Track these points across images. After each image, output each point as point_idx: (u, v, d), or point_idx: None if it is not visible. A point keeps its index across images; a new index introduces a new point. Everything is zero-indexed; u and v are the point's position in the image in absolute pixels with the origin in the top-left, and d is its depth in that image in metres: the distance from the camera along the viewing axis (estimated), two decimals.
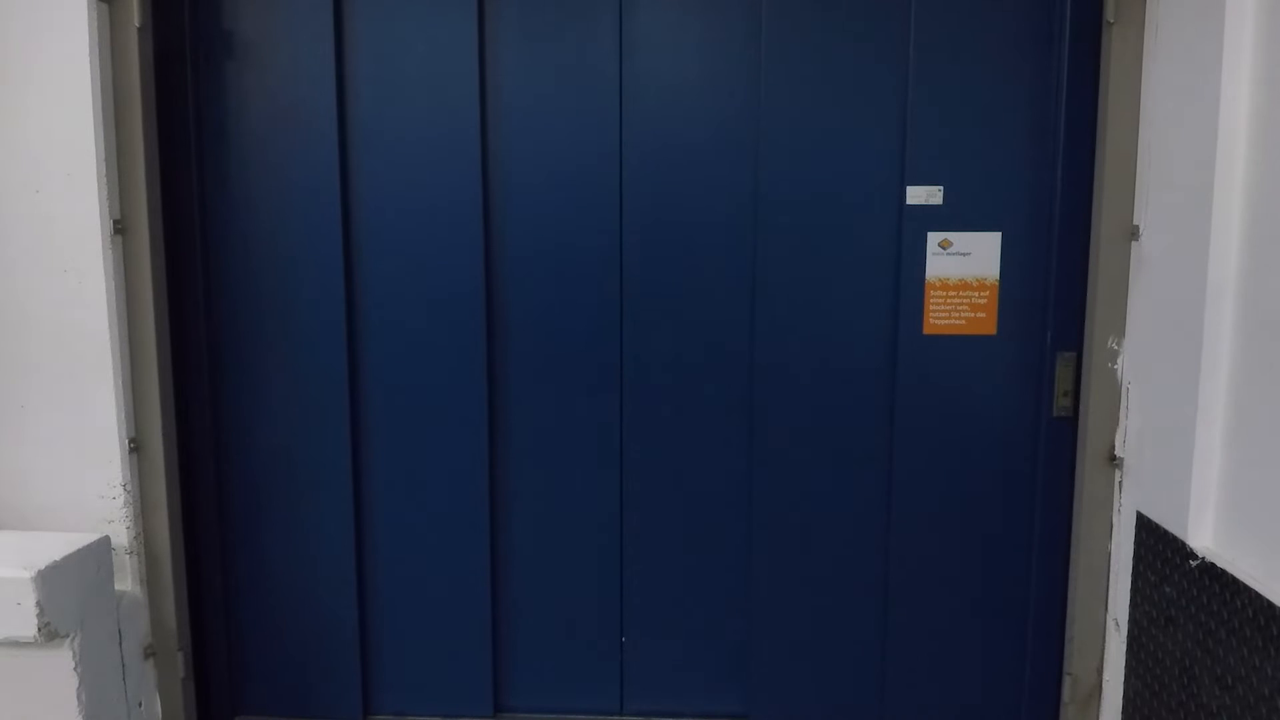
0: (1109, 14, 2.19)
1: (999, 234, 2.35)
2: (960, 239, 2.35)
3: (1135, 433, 2.20)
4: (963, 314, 2.38)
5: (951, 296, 2.37)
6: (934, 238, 2.35)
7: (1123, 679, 2.18)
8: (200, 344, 2.47)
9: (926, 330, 2.39)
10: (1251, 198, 1.75)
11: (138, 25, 2.22)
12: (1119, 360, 2.27)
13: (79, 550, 2.07)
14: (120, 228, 2.25)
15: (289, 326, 2.46)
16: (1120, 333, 2.27)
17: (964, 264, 2.36)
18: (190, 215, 2.42)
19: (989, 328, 2.38)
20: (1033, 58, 2.29)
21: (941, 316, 2.38)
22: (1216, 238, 1.79)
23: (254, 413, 2.51)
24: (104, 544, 2.17)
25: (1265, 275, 1.70)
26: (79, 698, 2.05)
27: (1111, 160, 2.22)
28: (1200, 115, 1.85)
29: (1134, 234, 2.21)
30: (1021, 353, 2.39)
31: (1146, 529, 2.06)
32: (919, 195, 2.34)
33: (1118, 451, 2.29)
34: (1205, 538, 1.86)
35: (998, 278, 2.37)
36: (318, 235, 2.42)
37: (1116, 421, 2.29)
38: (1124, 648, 2.18)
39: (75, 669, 2.03)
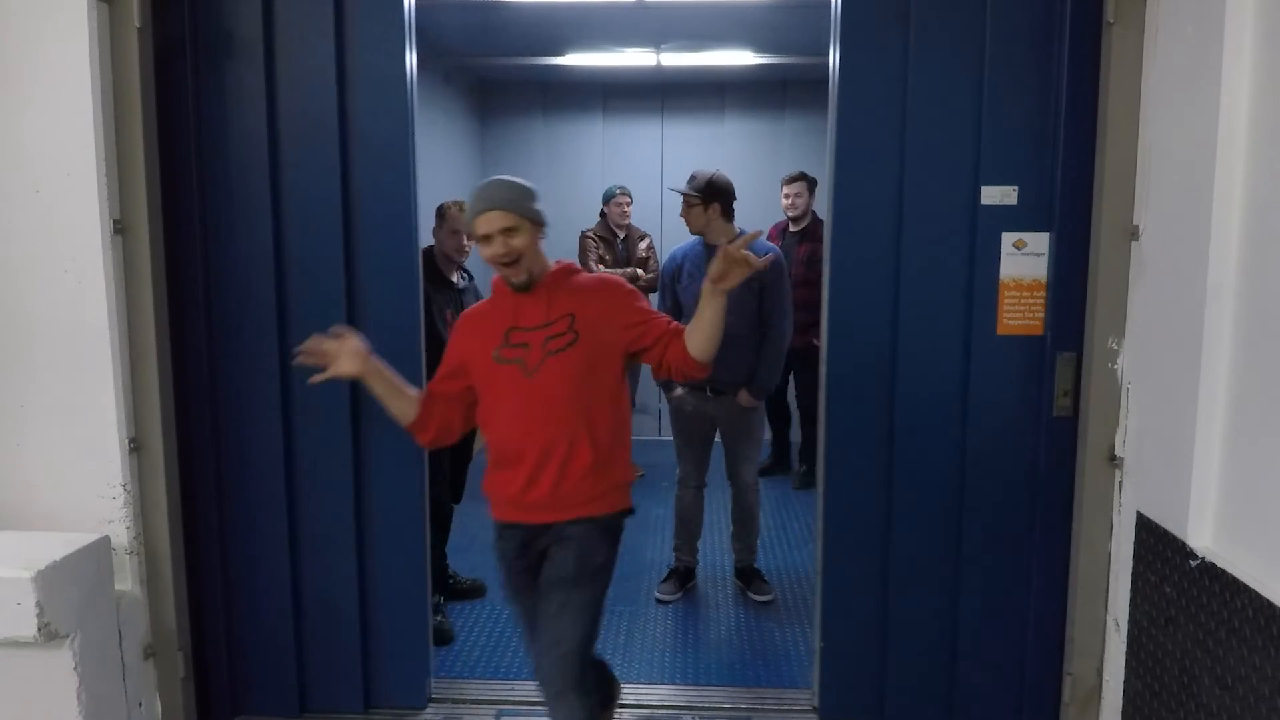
0: (1109, 14, 2.19)
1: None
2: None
3: (1135, 433, 2.19)
4: (1036, 314, 2.37)
5: (1025, 297, 2.36)
6: (1008, 238, 2.34)
7: (1123, 679, 2.17)
8: (200, 344, 2.46)
9: (1000, 331, 2.38)
10: (1251, 198, 1.74)
11: (138, 25, 2.22)
12: (1119, 360, 2.27)
13: (79, 550, 2.07)
14: (120, 228, 2.25)
15: (288, 326, 2.46)
16: (1120, 333, 2.26)
17: (1037, 264, 2.36)
18: (190, 215, 2.42)
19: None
20: (1033, 58, 2.28)
21: (1015, 317, 2.37)
22: (1216, 238, 1.79)
23: (253, 412, 2.50)
24: (104, 544, 2.17)
25: (1265, 275, 1.70)
26: (79, 698, 2.04)
27: (1111, 160, 2.22)
28: (1200, 115, 1.84)
29: (1134, 234, 2.21)
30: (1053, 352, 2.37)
31: (1146, 529, 2.05)
32: (994, 195, 2.33)
33: (1118, 451, 2.29)
34: (1205, 538, 1.86)
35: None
36: (318, 235, 2.42)
37: (1116, 421, 2.29)
38: (1124, 648, 2.18)
39: (75, 669, 2.03)
